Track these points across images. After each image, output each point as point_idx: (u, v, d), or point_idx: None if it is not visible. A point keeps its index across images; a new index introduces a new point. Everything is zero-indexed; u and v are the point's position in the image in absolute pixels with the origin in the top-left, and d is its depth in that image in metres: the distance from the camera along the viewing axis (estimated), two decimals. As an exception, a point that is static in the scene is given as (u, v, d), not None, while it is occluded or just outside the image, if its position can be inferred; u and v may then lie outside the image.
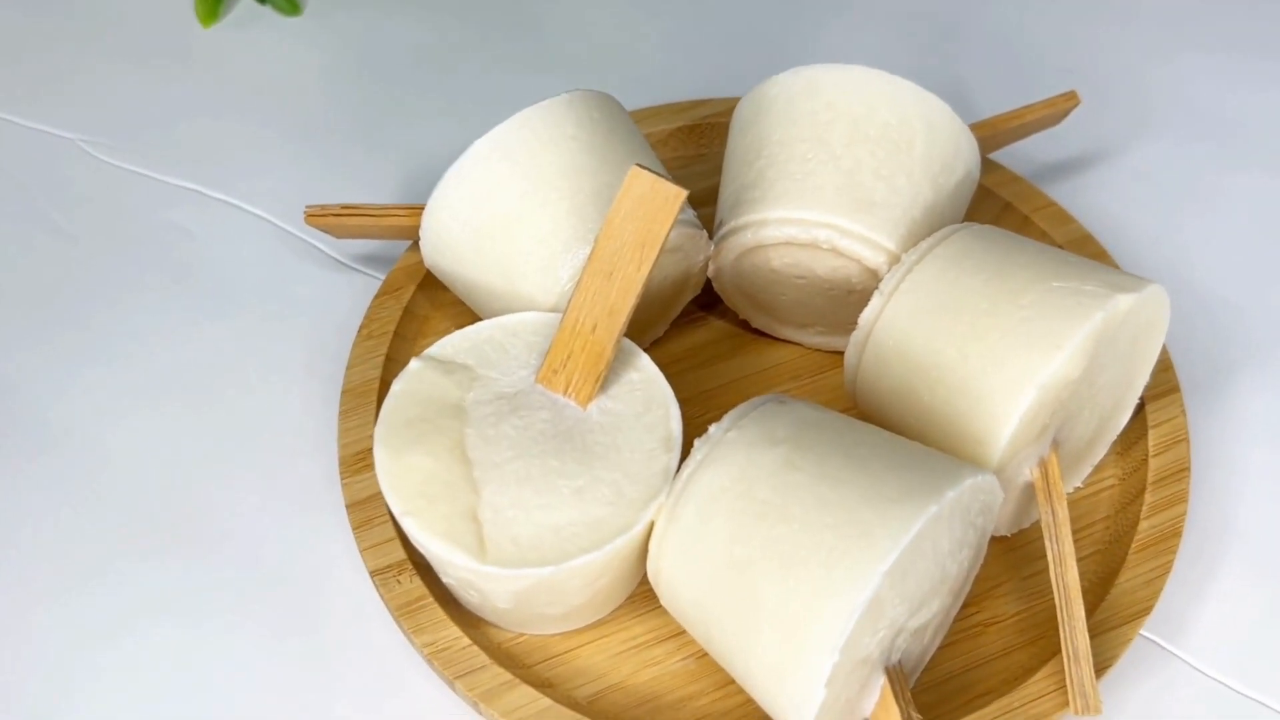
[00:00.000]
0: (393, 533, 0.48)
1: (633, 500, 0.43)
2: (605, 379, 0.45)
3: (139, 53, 0.70)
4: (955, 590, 0.44)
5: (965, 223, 0.49)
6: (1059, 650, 0.45)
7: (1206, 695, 0.46)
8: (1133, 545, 0.48)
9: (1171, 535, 0.48)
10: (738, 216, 0.50)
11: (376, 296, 0.56)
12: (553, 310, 0.48)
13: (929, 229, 0.49)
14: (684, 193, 0.43)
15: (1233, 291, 0.58)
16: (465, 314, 0.56)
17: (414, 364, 0.46)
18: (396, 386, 0.46)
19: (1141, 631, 0.46)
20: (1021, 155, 0.61)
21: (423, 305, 0.56)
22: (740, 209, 0.50)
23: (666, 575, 0.43)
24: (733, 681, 0.46)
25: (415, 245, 0.57)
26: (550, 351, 0.45)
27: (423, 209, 0.53)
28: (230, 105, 0.67)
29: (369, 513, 0.49)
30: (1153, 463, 0.50)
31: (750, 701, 0.45)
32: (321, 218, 0.55)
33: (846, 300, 0.51)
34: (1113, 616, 0.46)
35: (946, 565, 0.41)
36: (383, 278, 0.58)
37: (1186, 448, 0.50)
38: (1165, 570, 0.47)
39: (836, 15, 0.71)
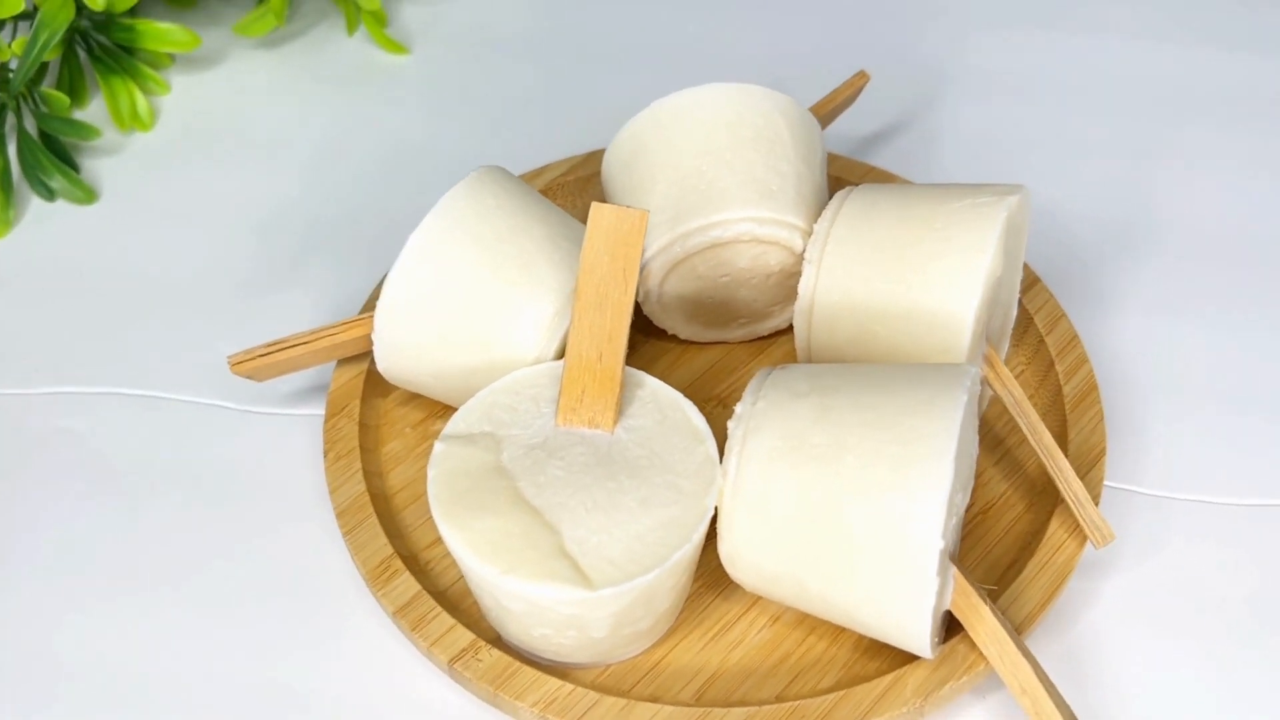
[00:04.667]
0: (451, 622, 0.49)
1: (693, 492, 0.46)
2: (620, 401, 0.48)
3: (-57, 277, 0.66)
4: (972, 475, 0.50)
5: (849, 186, 0.56)
6: (1053, 509, 0.52)
7: (1168, 511, 0.55)
8: (1066, 406, 0.56)
9: (1090, 389, 0.56)
10: (658, 239, 0.55)
11: (327, 420, 0.56)
12: (537, 362, 0.51)
13: (818, 201, 0.56)
14: (646, 212, 0.47)
15: (1046, 204, 0.67)
16: (417, 408, 0.58)
17: (438, 446, 0.48)
18: (432, 471, 0.47)
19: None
20: (831, 138, 0.70)
21: (371, 416, 0.57)
22: (657, 231, 0.55)
23: (743, 547, 0.46)
24: (813, 632, 0.50)
25: (343, 362, 0.58)
26: (563, 392, 0.48)
27: (359, 320, 0.55)
28: (60, 301, 0.65)
29: (419, 611, 0.50)
30: (1049, 340, 0.58)
31: (834, 644, 0.50)
32: (248, 362, 0.55)
33: (766, 284, 0.57)
34: (1080, 465, 0.54)
35: (971, 449, 0.48)
36: (299, 413, 0.59)
37: (1068, 321, 0.59)
38: (1100, 416, 0.55)
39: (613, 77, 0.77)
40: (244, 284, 0.65)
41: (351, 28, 0.80)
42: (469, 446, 0.48)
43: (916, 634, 0.45)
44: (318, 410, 0.59)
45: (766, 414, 0.46)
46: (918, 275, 0.51)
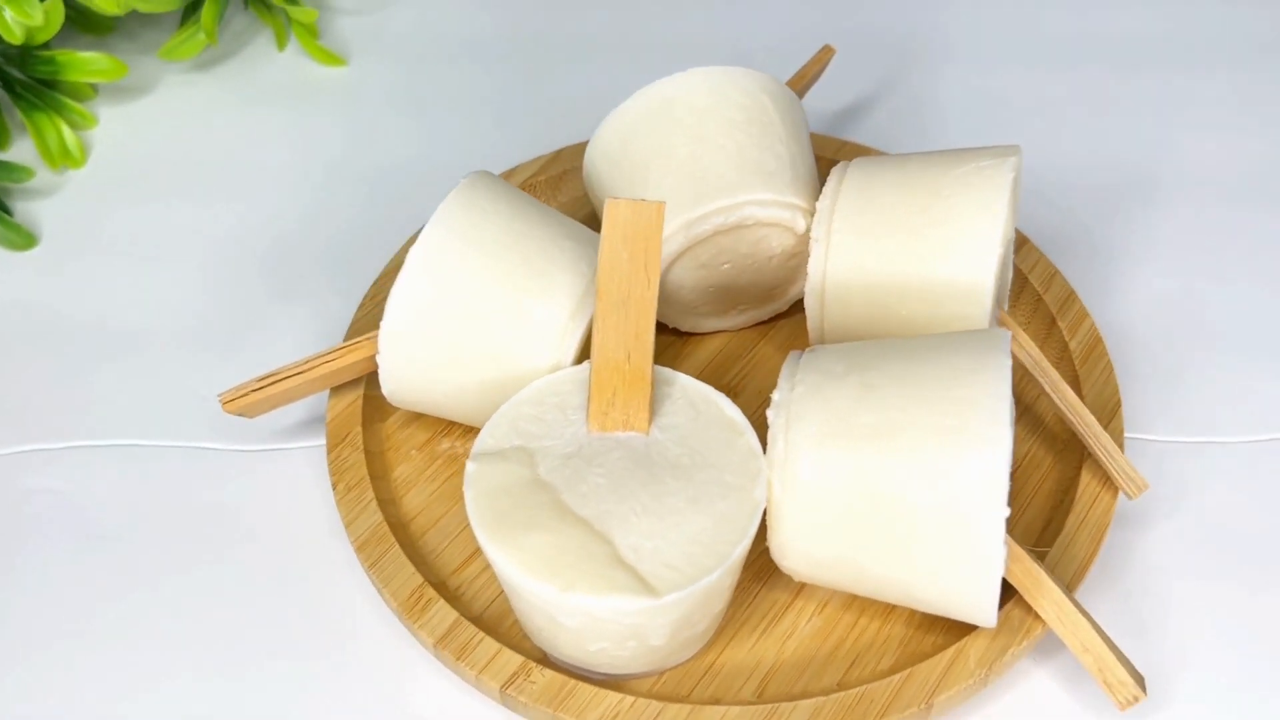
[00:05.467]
0: (496, 646, 0.47)
1: (741, 486, 0.45)
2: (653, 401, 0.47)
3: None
4: (1013, 438, 0.49)
5: (842, 162, 0.55)
6: (1079, 463, 0.52)
7: (1185, 455, 0.55)
8: (1075, 360, 0.56)
9: (1096, 343, 0.57)
10: (658, 230, 0.53)
11: (330, 450, 0.54)
12: (555, 369, 0.49)
13: (811, 179, 0.55)
14: (663, 204, 0.46)
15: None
16: (421, 429, 0.55)
17: (470, 466, 0.46)
18: (469, 492, 0.45)
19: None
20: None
21: (374, 442, 0.55)
22: (656, 223, 0.53)
23: (796, 536, 0.45)
24: (863, 614, 0.49)
25: (338, 389, 0.55)
26: (593, 397, 0.47)
27: (358, 343, 0.52)
28: (13, 353, 0.60)
29: (461, 639, 0.48)
30: (1046, 297, 0.59)
31: (886, 623, 0.49)
32: (241, 399, 0.52)
33: (768, 267, 0.56)
34: (1099, 418, 0.54)
35: (1012, 413, 0.47)
36: (292, 446, 0.57)
37: (1063, 278, 0.59)
38: (1110, 369, 0.56)
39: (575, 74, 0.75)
40: (208, 318, 0.62)
41: (281, 43, 0.77)
42: (502, 463, 0.46)
43: (983, 605, 0.44)
44: (310, 441, 0.57)
45: (807, 399, 0.45)
46: (931, 244, 0.50)
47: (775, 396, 0.46)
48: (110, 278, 0.64)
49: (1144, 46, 0.75)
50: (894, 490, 0.43)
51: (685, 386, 0.48)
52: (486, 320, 0.49)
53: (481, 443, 0.47)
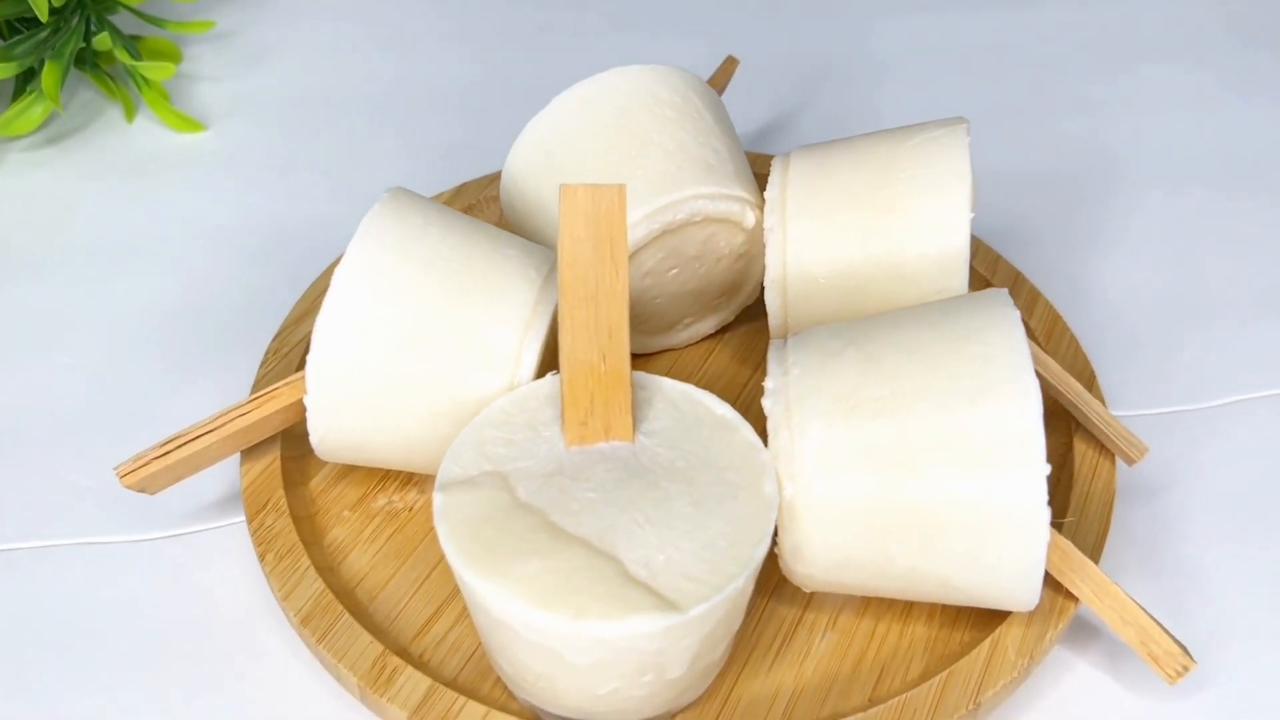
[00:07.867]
0: (482, 709, 0.41)
1: (748, 484, 0.40)
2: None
3: None
4: None
5: (782, 153, 0.52)
6: (1069, 436, 0.49)
7: (1162, 424, 0.53)
8: (1040, 338, 0.54)
9: (1056, 319, 0.55)
10: (599, 236, 0.49)
11: (251, 520, 0.47)
12: (511, 389, 0.44)
13: (750, 176, 0.52)
14: (623, 186, 0.41)
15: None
16: (352, 486, 0.49)
17: (438, 498, 0.40)
18: (442, 527, 0.39)
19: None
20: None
21: (300, 506, 0.48)
22: (597, 229, 0.49)
23: (811, 535, 0.41)
24: (880, 621, 0.45)
25: (249, 453, 0.48)
26: (566, 406, 0.41)
27: (277, 390, 0.46)
28: None
29: (440, 708, 0.41)
30: (995, 281, 0.57)
31: (906, 626, 0.45)
32: (140, 470, 0.45)
33: (715, 271, 0.52)
34: (1077, 392, 0.51)
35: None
36: (197, 529, 0.49)
37: (1008, 262, 0.57)
38: (1075, 343, 0.54)
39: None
40: (89, 405, 0.54)
41: (130, 114, 0.70)
42: (475, 490, 0.40)
43: (1028, 581, 0.40)
44: (223, 520, 0.50)
45: (805, 380, 0.41)
46: (899, 217, 0.47)
47: (769, 384, 0.42)
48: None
49: (1060, 50, 0.75)
50: (917, 466, 0.39)
51: (660, 387, 0.43)
52: (430, 341, 0.44)
53: (447, 472, 0.41)
